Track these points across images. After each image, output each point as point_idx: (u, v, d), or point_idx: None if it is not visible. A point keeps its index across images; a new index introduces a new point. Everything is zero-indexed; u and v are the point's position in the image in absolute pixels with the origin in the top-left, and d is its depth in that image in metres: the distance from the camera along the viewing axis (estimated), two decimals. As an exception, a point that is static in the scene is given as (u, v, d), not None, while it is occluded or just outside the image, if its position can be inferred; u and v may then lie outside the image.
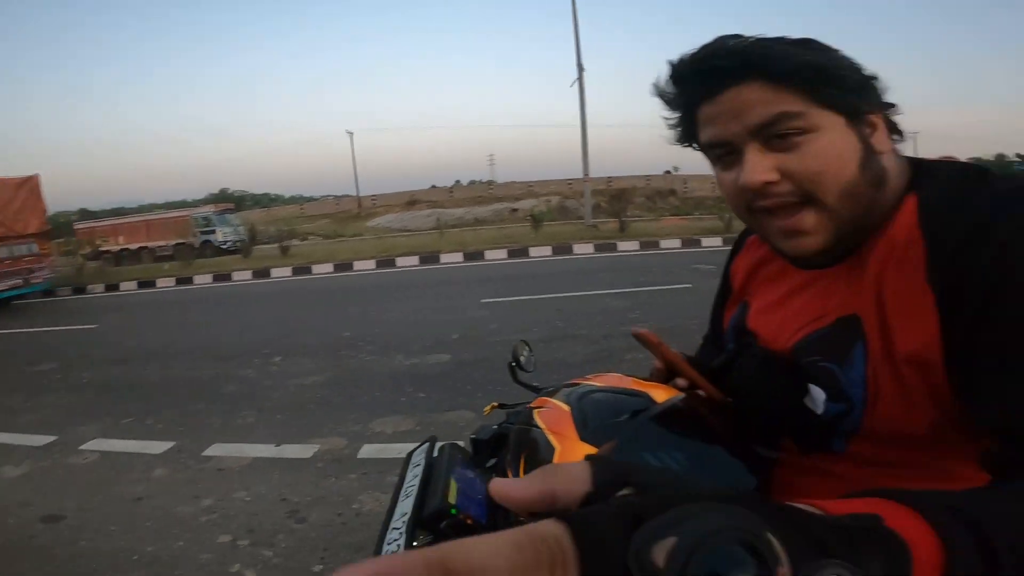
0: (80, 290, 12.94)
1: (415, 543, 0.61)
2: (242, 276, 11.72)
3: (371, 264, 10.94)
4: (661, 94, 0.59)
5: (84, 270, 15.95)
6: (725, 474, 0.63)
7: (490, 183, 45.72)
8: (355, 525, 2.44)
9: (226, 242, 21.01)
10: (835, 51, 0.55)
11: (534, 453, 0.65)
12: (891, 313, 0.52)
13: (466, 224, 25.33)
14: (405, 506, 0.64)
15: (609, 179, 33.64)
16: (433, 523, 0.61)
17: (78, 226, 26.51)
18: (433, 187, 42.72)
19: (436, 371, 4.32)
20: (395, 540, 0.62)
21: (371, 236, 24.82)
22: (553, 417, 0.67)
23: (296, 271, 11.34)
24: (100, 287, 12.91)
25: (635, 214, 21.61)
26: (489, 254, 11.26)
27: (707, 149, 0.58)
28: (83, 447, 3.52)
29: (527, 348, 1.18)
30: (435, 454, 0.70)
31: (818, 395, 0.58)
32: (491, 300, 6.73)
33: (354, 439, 3.27)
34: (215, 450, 3.29)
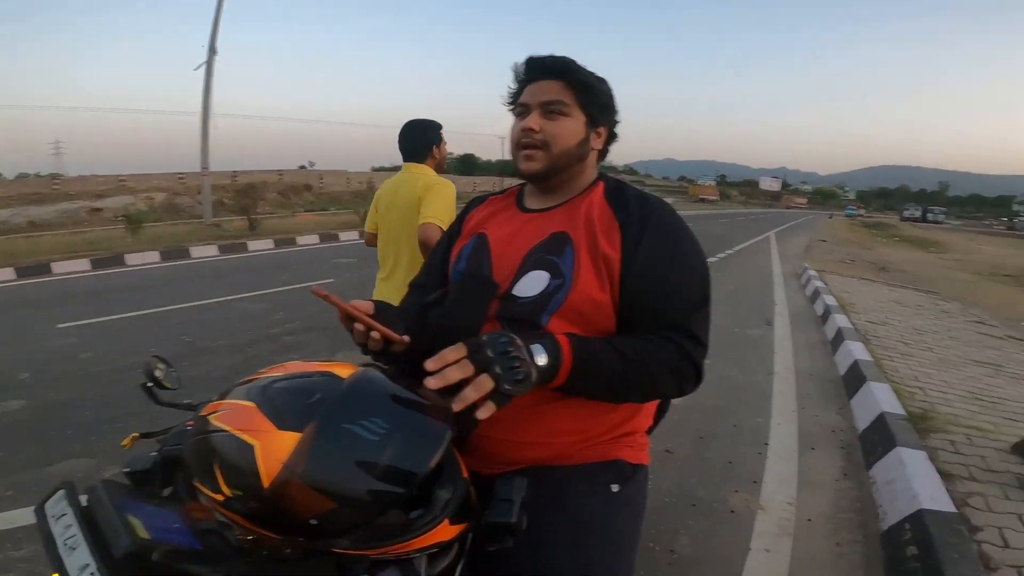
0: None
1: None
2: None
3: None
4: (515, 71, 0.97)
5: None
6: (425, 416, 0.68)
7: (55, 176, 33.94)
8: None
9: None
10: (606, 86, 0.97)
11: (228, 456, 0.61)
12: (597, 233, 0.89)
13: (16, 229, 18.09)
14: (79, 559, 0.55)
15: (234, 173, 29.78)
16: (130, 564, 0.54)
17: None
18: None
19: (6, 423, 3.05)
20: None
21: None
22: (238, 416, 0.63)
23: None
24: None
25: (267, 212, 19.99)
26: (60, 266, 8.44)
27: (517, 107, 0.96)
28: None
29: (162, 363, 1.05)
30: (83, 500, 0.62)
31: (542, 276, 0.88)
32: (75, 324, 5.08)
33: None
34: None
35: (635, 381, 0.83)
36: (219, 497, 0.61)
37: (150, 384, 1.00)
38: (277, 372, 0.69)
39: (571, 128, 0.93)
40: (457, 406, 0.67)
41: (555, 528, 0.85)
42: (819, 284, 7.43)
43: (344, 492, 0.60)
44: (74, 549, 0.57)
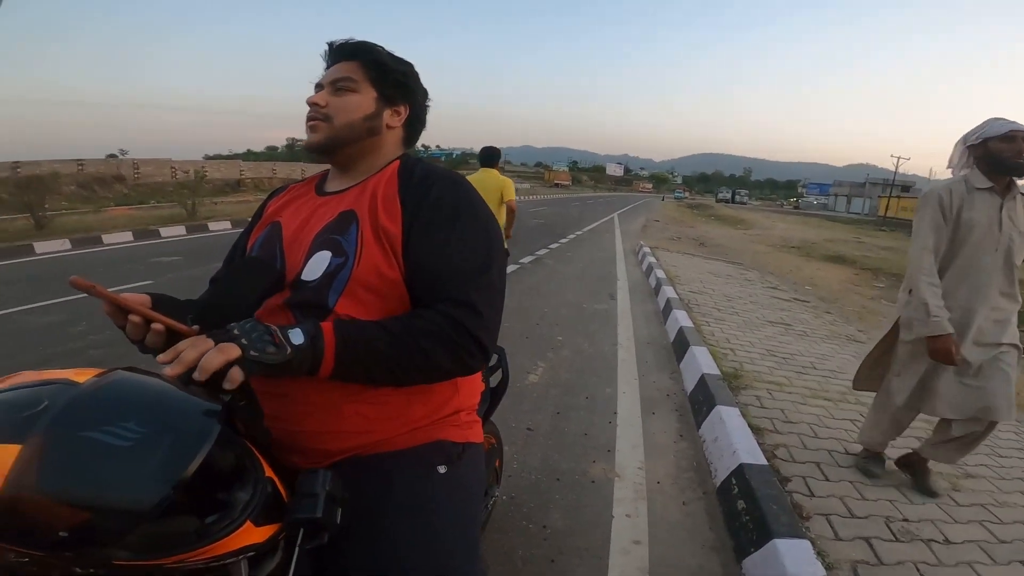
0: None
1: None
2: None
3: None
4: (325, 57, 1.00)
5: None
6: (188, 415, 0.64)
7: None
8: None
9: None
10: (405, 67, 1.01)
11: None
12: (379, 208, 0.90)
13: None
14: None
15: (15, 164, 24.09)
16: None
17: None
18: None
19: None
20: None
21: None
22: None
23: None
24: None
25: (63, 207, 16.64)
26: None
27: (315, 87, 0.98)
28: None
29: None
30: None
31: (325, 256, 0.88)
32: None
33: None
34: None
35: (407, 359, 0.82)
36: None
37: None
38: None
39: (355, 102, 0.96)
40: (199, 376, 0.64)
41: (388, 516, 0.83)
42: (652, 259, 8.29)
43: (95, 502, 0.55)
44: None
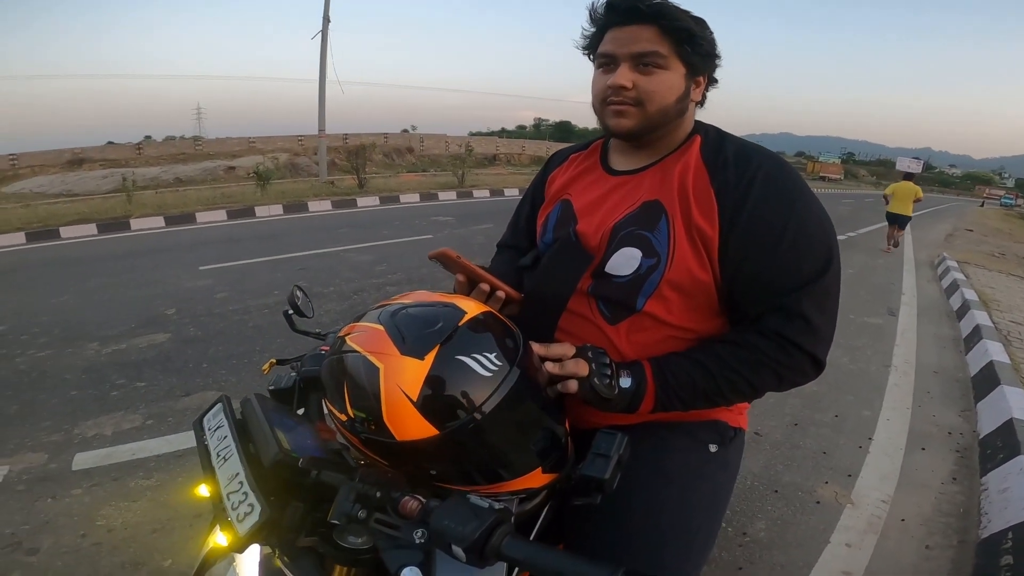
0: None
1: (272, 497, 0.57)
2: None
3: (18, 238, 8.09)
4: (591, 12, 0.82)
5: None
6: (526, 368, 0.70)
7: (197, 139, 38.37)
8: (112, 542, 1.93)
9: None
10: (707, 31, 0.82)
11: (356, 377, 0.63)
12: (692, 201, 0.79)
13: (165, 185, 20.78)
14: (231, 468, 0.60)
15: (345, 136, 31.93)
16: (277, 472, 0.59)
17: None
18: (110, 143, 33.46)
19: (152, 354, 3.56)
20: (244, 502, 0.57)
21: (14, 203, 18.24)
22: (368, 338, 0.64)
23: None
24: None
25: (374, 171, 21.15)
26: (202, 216, 9.57)
27: (599, 57, 0.83)
28: None
29: (301, 292, 1.11)
30: (236, 414, 0.68)
31: (634, 254, 0.81)
32: (213, 266, 5.79)
33: (58, 450, 2.52)
34: None
35: (729, 389, 0.79)
36: (343, 417, 0.64)
37: (290, 312, 1.07)
38: (406, 300, 0.71)
39: (669, 82, 0.80)
40: (555, 369, 0.72)
41: (648, 484, 0.83)
42: (958, 276, 6.53)
43: (448, 425, 0.60)
44: (226, 460, 0.62)
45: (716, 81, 0.88)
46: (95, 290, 5.08)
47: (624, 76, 0.79)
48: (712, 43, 0.83)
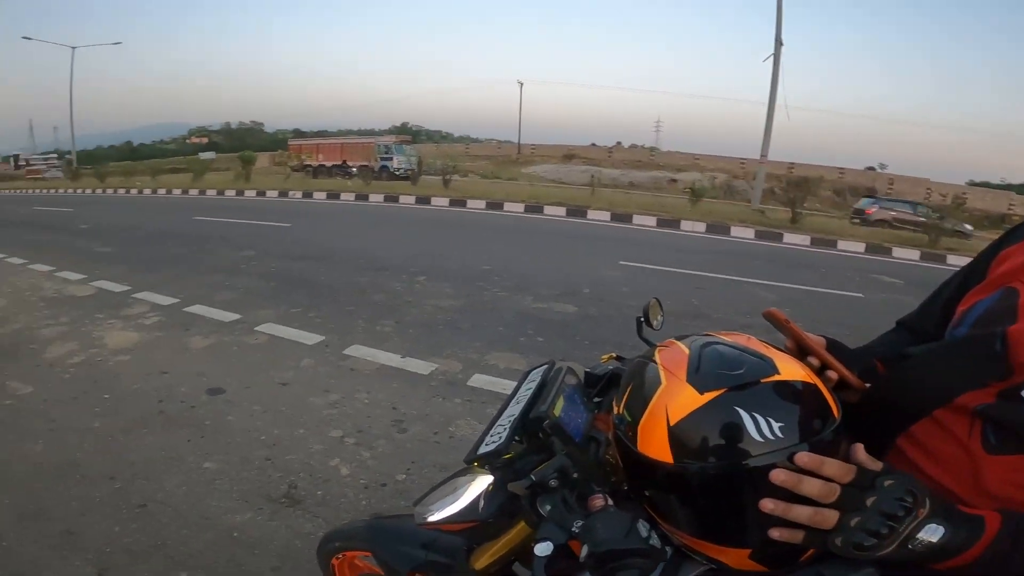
0: (283, 194, 15.34)
1: (516, 439, 0.71)
2: (407, 200, 12.85)
3: (520, 207, 11.24)
4: None
5: (288, 179, 19.09)
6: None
7: (652, 149, 43.61)
8: (447, 446, 2.58)
9: (399, 169, 23.36)
10: None
11: (640, 383, 0.66)
12: None
13: (620, 186, 24.57)
14: (513, 411, 0.76)
15: (791, 165, 29.85)
16: (533, 426, 0.71)
17: (290, 143, 31.38)
18: (593, 145, 41.91)
19: (559, 319, 4.39)
20: (497, 434, 0.72)
21: (525, 182, 25.33)
22: (671, 356, 0.67)
23: (453, 203, 12.11)
24: (299, 194, 15.16)
25: (815, 207, 19.06)
26: (638, 219, 10.89)
27: None
28: (258, 328, 4.13)
29: (660, 308, 1.17)
30: (549, 377, 0.82)
31: None
32: (629, 263, 6.56)
33: (469, 366, 3.43)
34: (354, 351, 3.68)
35: None
36: (616, 411, 0.68)
37: (642, 319, 1.12)
38: (732, 338, 0.69)
39: None
40: (780, 511, 0.56)
41: None
42: None
43: (684, 461, 0.59)
44: (519, 403, 0.76)
45: None
46: (548, 258, 6.59)
47: None
48: None
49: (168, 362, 3.56)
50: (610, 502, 0.63)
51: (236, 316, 4.46)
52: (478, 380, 3.24)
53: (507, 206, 11.42)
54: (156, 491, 2.25)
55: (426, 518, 1.05)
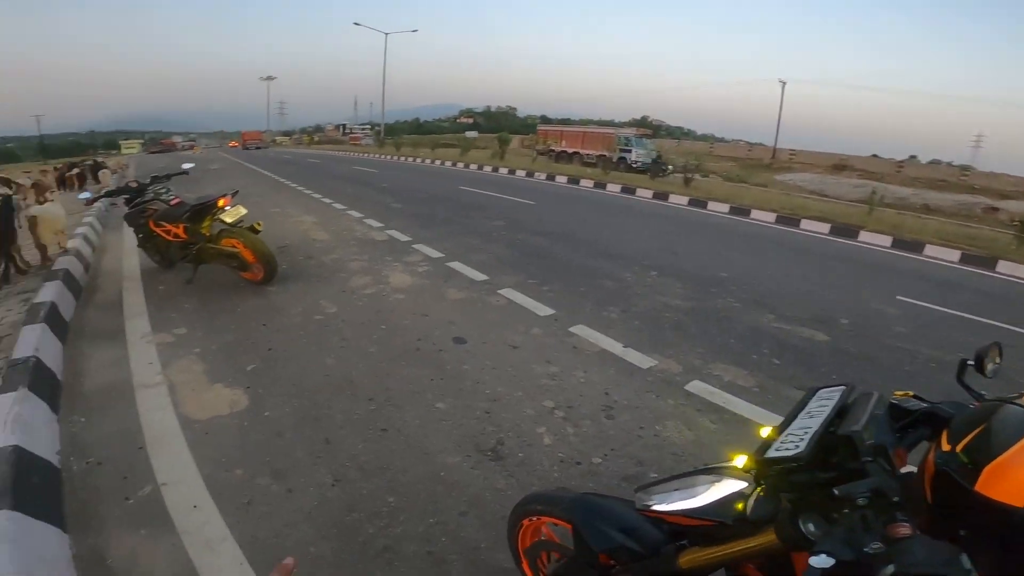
0: (530, 174, 16.67)
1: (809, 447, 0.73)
2: (644, 193, 12.69)
3: (770, 217, 10.07)
4: None
5: (535, 160, 20.67)
6: None
7: (965, 168, 34.22)
8: (650, 443, 2.53)
9: (636, 162, 23.22)
10: None
11: (999, 427, 0.64)
12: None
13: (910, 207, 19.98)
14: (806, 423, 0.78)
15: None
16: (843, 442, 0.71)
17: (539, 127, 33.80)
18: (875, 156, 34.89)
19: (803, 345, 3.85)
20: (794, 442, 0.75)
21: (777, 190, 22.59)
22: None
23: (692, 202, 11.51)
24: (543, 175, 16.30)
25: None
26: (931, 250, 8.74)
27: None
28: (500, 291, 4.63)
29: (999, 354, 1.02)
30: (850, 400, 0.82)
31: None
32: (912, 300, 5.33)
33: (689, 370, 3.31)
34: (578, 330, 3.85)
35: None
36: (944, 448, 0.67)
37: (970, 363, 1.00)
38: None
39: None
40: None
41: None
42: None
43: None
44: (810, 416, 0.77)
45: None
46: (797, 277, 5.80)
47: None
48: None
49: (428, 307, 4.25)
50: (918, 532, 0.62)
51: (484, 277, 5.06)
52: (696, 387, 3.11)
53: (755, 213, 10.34)
54: (397, 419, 2.71)
55: (649, 505, 1.05)
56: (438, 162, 22.86)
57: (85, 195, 5.22)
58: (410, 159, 25.43)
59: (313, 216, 8.29)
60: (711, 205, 11.16)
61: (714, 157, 37.17)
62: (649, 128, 46.49)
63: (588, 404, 2.87)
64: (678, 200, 11.82)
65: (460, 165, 21.07)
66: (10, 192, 5.22)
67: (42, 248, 5.29)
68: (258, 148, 44.43)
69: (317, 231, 7.13)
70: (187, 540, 1.89)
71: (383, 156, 28.02)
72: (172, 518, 1.99)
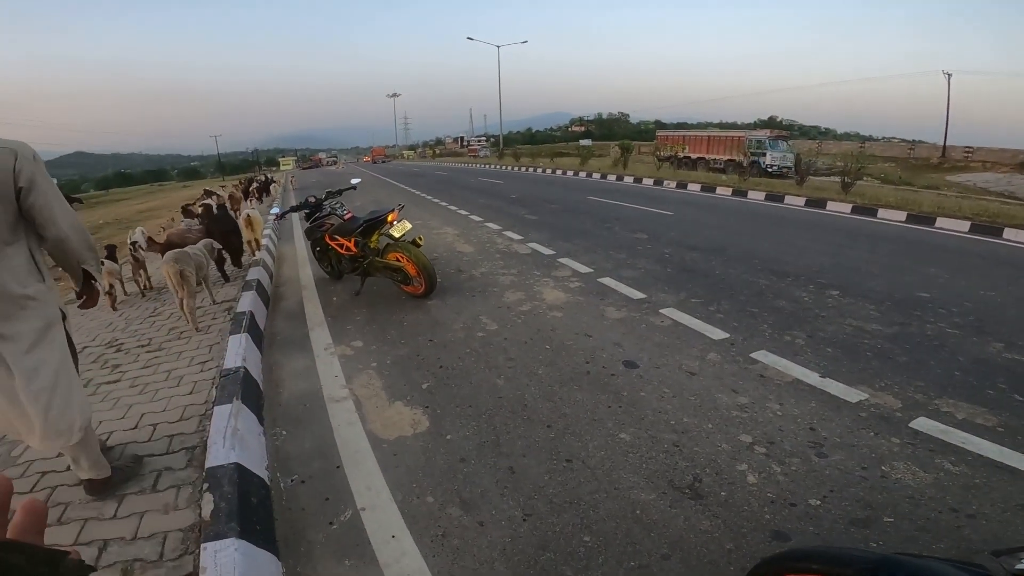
0: (658, 183, 15.99)
1: None
2: (794, 201, 11.48)
3: (963, 226, 8.51)
4: None
5: (660, 168, 19.91)
6: None
7: None
8: (876, 485, 2.20)
9: (772, 166, 21.33)
10: None
11: None
12: None
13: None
14: None
15: None
16: None
17: (659, 134, 32.49)
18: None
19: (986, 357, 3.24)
20: None
21: (954, 192, 19.36)
22: None
23: (856, 210, 10.15)
24: (672, 183, 15.54)
25: None
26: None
27: None
28: (662, 311, 4.32)
29: None
30: None
31: None
32: None
33: (911, 406, 2.82)
34: (761, 356, 3.44)
35: None
36: None
37: None
38: None
39: None
40: None
41: None
42: None
43: None
44: None
45: None
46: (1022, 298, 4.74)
47: None
48: None
49: (590, 326, 4.07)
50: None
51: (642, 295, 4.77)
52: (924, 424, 2.64)
53: (940, 221, 8.80)
54: (580, 449, 2.54)
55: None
56: (559, 172, 22.88)
57: (274, 211, 5.82)
58: (529, 169, 25.78)
59: (453, 227, 8.58)
60: (881, 212, 9.74)
61: (869, 157, 33.07)
62: (779, 128, 42.75)
63: (791, 440, 2.55)
64: (838, 208, 10.50)
65: (582, 174, 20.87)
66: (217, 202, 6.11)
67: (254, 243, 6.19)
68: (383, 162, 49.21)
69: (461, 243, 7.33)
70: (388, 574, 1.87)
71: (503, 167, 28.76)
72: (373, 548, 1.99)
